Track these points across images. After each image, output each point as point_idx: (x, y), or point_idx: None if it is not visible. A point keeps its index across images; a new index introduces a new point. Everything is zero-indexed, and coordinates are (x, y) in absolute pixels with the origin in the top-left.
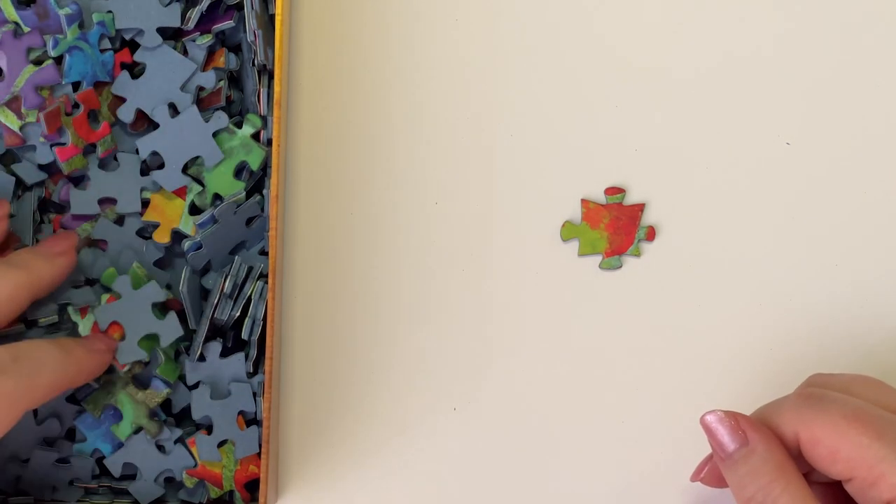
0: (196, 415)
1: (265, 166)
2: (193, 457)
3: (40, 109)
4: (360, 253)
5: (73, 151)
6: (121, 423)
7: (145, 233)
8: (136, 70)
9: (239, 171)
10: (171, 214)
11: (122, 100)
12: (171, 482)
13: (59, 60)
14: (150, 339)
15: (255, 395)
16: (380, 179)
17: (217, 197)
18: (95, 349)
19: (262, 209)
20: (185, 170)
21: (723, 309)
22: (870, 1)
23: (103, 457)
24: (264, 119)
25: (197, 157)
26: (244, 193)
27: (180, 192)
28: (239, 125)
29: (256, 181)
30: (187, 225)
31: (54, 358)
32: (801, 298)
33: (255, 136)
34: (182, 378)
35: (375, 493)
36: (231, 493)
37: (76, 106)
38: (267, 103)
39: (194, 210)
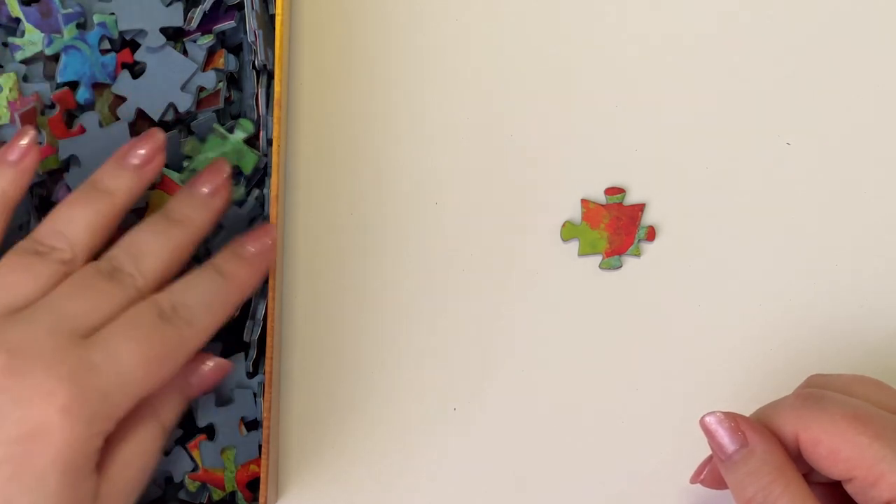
0: (201, 422)
1: (262, 169)
2: (194, 460)
3: (14, 109)
4: (360, 253)
5: (48, 151)
6: None
7: None
8: (135, 70)
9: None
10: None
11: (122, 99)
12: (170, 482)
13: (57, 60)
14: None
15: (254, 395)
16: (380, 179)
17: None
18: (253, 256)
19: (263, 208)
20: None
21: (723, 309)
22: (870, 1)
23: None
24: (257, 123)
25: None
26: (244, 190)
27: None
28: (231, 130)
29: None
30: None
31: (215, 292)
32: (801, 298)
33: (249, 142)
34: None
35: (375, 492)
36: (233, 493)
37: (52, 106)
38: (266, 103)
39: None
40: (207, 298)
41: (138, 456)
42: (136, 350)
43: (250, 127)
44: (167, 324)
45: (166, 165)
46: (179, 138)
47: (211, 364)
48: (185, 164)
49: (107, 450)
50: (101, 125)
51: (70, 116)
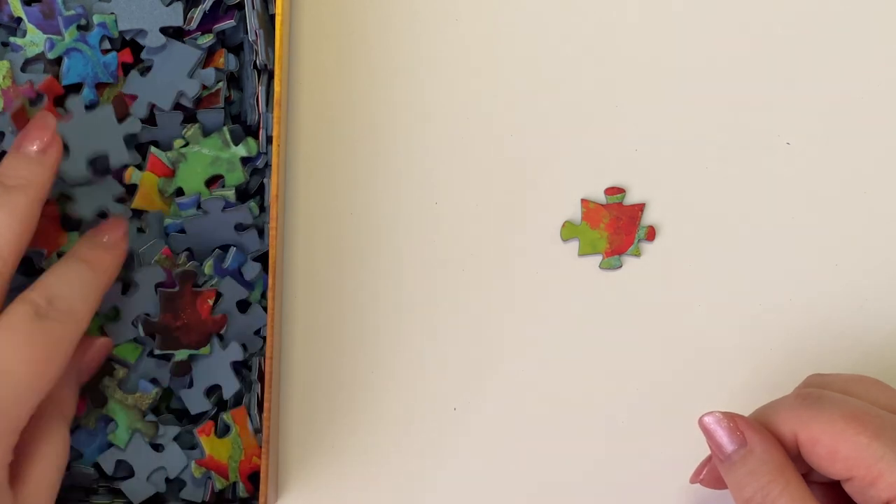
0: (194, 411)
1: (253, 185)
2: (202, 448)
3: (8, 97)
4: (360, 253)
5: None
6: (117, 430)
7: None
8: (140, 67)
9: (212, 182)
10: (160, 204)
11: (125, 96)
12: (169, 482)
13: (58, 62)
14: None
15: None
16: (380, 179)
17: (180, 192)
18: (111, 244)
19: (253, 219)
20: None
21: (722, 309)
22: (870, 1)
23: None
24: (257, 122)
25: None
26: (234, 191)
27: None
28: (237, 142)
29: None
30: (177, 215)
31: (84, 280)
32: (800, 299)
33: (245, 160)
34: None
35: (375, 492)
36: (234, 484)
37: (39, 96)
38: (266, 103)
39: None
40: (80, 288)
41: (52, 457)
42: (21, 356)
43: (255, 149)
44: (46, 320)
45: (157, 145)
46: (179, 119)
47: (97, 344)
48: (176, 143)
49: (19, 459)
50: (86, 109)
51: (58, 104)
